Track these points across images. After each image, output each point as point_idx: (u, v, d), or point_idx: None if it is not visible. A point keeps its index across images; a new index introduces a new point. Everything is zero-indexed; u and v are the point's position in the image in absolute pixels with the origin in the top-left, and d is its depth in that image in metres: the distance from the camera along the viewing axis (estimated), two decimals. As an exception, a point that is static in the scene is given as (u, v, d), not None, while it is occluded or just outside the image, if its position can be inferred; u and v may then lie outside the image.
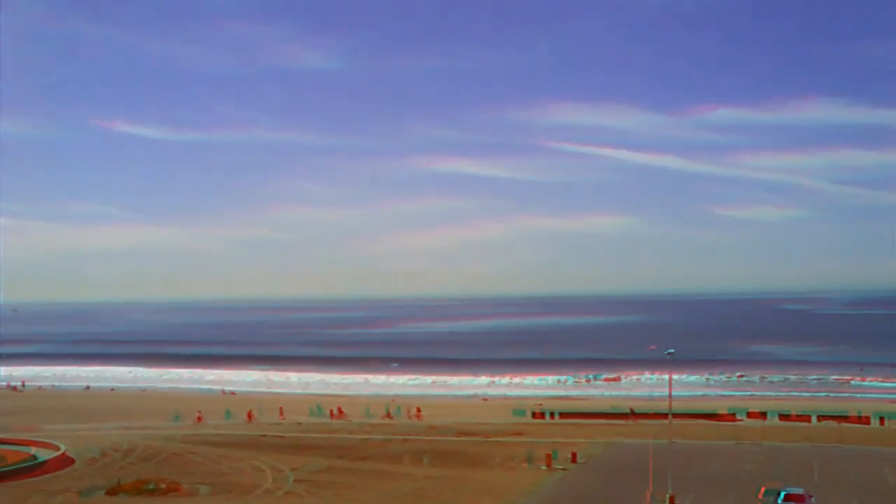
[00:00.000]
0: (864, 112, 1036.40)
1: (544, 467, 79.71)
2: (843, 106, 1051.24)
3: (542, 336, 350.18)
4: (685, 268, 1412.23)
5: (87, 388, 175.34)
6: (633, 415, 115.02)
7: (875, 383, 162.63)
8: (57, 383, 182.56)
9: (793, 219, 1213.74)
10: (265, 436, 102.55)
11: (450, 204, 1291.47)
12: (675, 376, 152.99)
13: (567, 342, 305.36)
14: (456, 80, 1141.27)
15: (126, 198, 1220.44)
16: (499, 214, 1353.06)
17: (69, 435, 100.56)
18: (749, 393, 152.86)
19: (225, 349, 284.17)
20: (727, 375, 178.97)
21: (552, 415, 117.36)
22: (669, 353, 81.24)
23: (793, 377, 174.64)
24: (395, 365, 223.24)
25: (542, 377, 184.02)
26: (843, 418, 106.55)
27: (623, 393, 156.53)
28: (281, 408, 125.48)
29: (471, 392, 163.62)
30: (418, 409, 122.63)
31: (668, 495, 64.44)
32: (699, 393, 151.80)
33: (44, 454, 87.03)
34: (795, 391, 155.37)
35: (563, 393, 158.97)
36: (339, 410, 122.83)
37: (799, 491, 64.74)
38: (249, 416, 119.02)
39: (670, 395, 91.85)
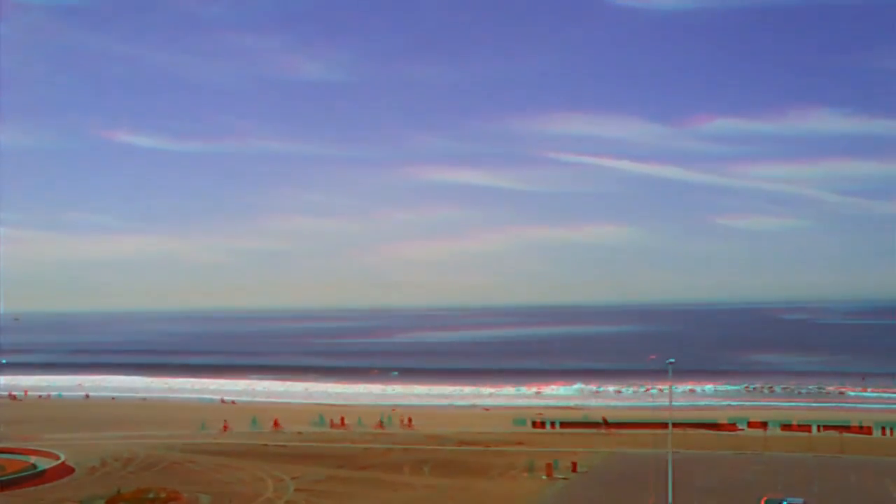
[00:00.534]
0: (864, 122, 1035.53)
1: (545, 477, 79.62)
2: (843, 116, 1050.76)
3: (543, 346, 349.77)
4: (685, 277, 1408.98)
5: (87, 396, 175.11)
6: (606, 424, 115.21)
7: (876, 394, 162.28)
8: (57, 392, 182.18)
9: (793, 228, 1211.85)
10: (266, 445, 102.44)
11: (450, 214, 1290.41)
12: (675, 386, 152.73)
13: (568, 352, 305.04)
14: (456, 90, 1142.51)
15: (127, 207, 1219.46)
16: (499, 224, 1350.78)
17: (69, 444, 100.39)
18: (750, 403, 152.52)
19: (225, 359, 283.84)
20: (728, 385, 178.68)
21: (552, 424, 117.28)
22: (670, 363, 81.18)
23: (793, 387, 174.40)
24: (396, 374, 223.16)
25: (543, 387, 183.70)
26: (845, 428, 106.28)
27: (624, 403, 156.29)
28: (276, 418, 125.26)
29: (471, 402, 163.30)
30: (409, 419, 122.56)
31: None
32: (700, 403, 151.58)
33: (44, 463, 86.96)
34: (796, 401, 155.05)
35: (563, 403, 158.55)
36: (342, 421, 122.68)
37: (800, 501, 64.68)
38: (276, 424, 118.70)
39: (670, 405, 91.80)
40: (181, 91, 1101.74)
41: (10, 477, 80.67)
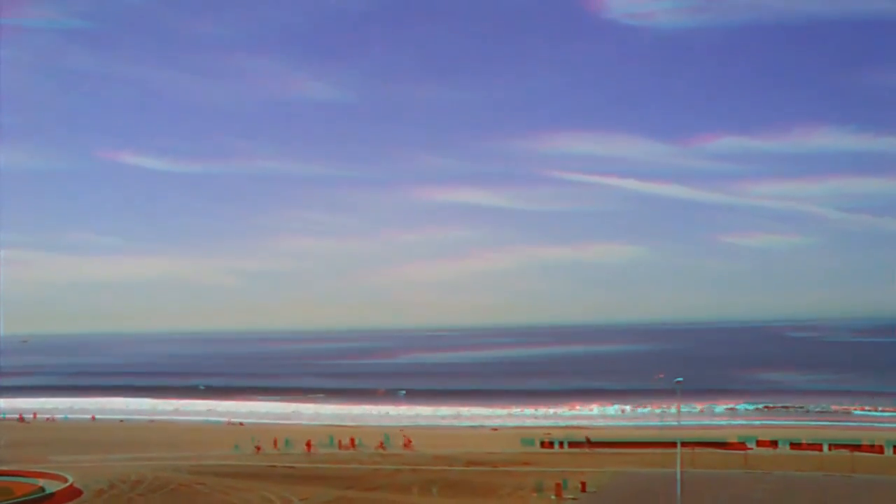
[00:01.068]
0: (870, 139, 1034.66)
1: (554, 497, 79.37)
2: (848, 133, 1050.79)
3: (550, 366, 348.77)
4: (692, 296, 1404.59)
5: (94, 418, 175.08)
6: (589, 443, 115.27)
7: (887, 413, 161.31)
8: (65, 415, 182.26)
9: (799, 246, 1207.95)
10: (274, 466, 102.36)
11: (454, 234, 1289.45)
12: (683, 405, 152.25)
13: (575, 372, 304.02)
14: (461, 110, 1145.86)
15: (131, 229, 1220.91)
16: (504, 244, 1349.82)
17: (77, 466, 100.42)
18: (758, 421, 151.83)
19: (233, 380, 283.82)
20: (736, 404, 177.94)
21: (561, 444, 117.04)
22: (678, 382, 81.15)
23: (802, 405, 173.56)
24: (403, 393, 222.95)
25: (551, 407, 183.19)
26: (856, 447, 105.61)
27: (632, 423, 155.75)
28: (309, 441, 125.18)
29: (479, 422, 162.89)
30: (408, 440, 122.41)
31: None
32: (708, 422, 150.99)
33: (52, 486, 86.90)
34: (805, 419, 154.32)
35: (572, 423, 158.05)
36: (352, 441, 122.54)
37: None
38: (309, 445, 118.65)
39: (679, 424, 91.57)
40: (185, 112, 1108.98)
41: (18, 500, 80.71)
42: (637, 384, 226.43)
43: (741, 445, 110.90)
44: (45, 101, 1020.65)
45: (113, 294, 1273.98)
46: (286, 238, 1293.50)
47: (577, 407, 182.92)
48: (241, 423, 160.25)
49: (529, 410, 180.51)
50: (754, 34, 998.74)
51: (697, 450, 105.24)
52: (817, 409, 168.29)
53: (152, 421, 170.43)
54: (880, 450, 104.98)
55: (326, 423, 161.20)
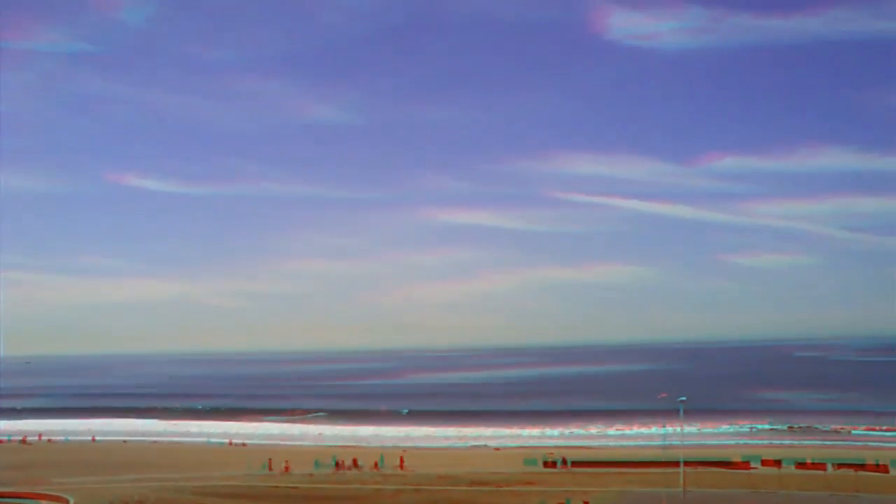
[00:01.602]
0: (873, 159, 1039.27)
1: (557, 517, 79.15)
2: (852, 153, 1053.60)
3: (554, 386, 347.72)
4: (696, 316, 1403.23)
5: (94, 439, 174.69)
6: (564, 464, 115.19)
7: (891, 433, 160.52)
8: (66, 437, 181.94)
9: (803, 265, 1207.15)
10: (277, 487, 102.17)
11: (460, 255, 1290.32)
12: (686, 424, 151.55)
13: (578, 392, 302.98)
14: (465, 130, 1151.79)
15: (137, 251, 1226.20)
16: (509, 265, 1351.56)
17: (79, 488, 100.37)
18: (762, 441, 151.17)
19: (236, 402, 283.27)
20: (740, 423, 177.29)
21: (564, 464, 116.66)
22: (681, 401, 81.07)
23: (807, 424, 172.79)
24: (406, 411, 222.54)
25: (554, 427, 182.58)
26: (861, 466, 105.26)
27: (635, 442, 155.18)
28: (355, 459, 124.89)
29: (482, 442, 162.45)
30: (401, 459, 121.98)
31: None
32: (712, 441, 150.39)
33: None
34: (809, 438, 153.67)
35: (574, 443, 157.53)
36: (354, 462, 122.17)
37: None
38: (338, 465, 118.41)
39: (682, 443, 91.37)
40: (190, 134, 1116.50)
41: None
42: (640, 404, 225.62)
43: (745, 465, 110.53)
44: (52, 124, 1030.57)
45: (118, 316, 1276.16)
46: (292, 260, 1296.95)
47: (581, 427, 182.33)
48: (243, 444, 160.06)
49: (533, 431, 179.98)
50: (757, 55, 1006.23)
51: (701, 469, 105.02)
52: (822, 429, 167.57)
53: (155, 442, 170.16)
54: (885, 469, 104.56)
55: (329, 443, 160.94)
